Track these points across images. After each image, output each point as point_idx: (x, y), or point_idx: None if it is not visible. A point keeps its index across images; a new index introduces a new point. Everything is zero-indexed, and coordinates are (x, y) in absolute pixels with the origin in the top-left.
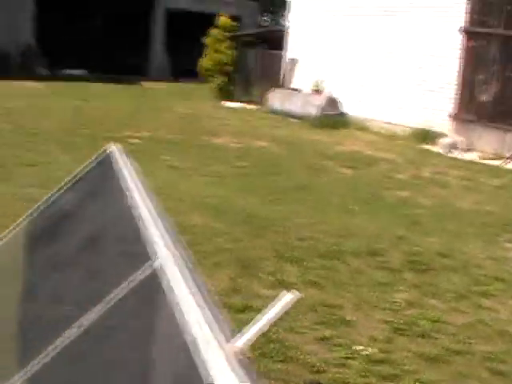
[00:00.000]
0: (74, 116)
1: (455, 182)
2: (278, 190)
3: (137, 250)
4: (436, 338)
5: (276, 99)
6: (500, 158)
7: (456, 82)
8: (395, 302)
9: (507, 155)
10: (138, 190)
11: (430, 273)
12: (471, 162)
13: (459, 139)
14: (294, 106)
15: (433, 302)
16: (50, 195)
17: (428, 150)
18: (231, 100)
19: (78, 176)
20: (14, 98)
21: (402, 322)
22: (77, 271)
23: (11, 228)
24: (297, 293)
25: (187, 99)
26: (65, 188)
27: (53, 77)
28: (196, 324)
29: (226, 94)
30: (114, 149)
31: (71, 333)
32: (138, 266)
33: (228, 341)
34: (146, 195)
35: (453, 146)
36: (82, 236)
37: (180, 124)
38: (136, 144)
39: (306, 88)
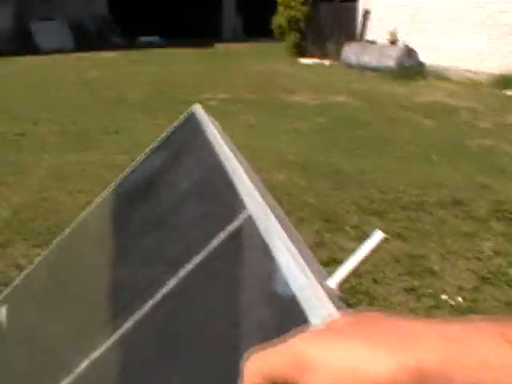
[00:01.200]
0: (151, 82)
1: None
2: (359, 143)
3: (230, 203)
4: None
5: (351, 53)
6: None
7: None
8: (481, 251)
9: None
10: (225, 146)
11: None
12: None
13: None
14: (370, 58)
15: None
16: (139, 158)
17: (511, 96)
18: (306, 56)
19: (165, 137)
20: (92, 69)
21: (488, 271)
22: (171, 228)
23: (103, 193)
24: (381, 233)
25: (261, 58)
26: (153, 149)
27: (128, 46)
28: (292, 267)
29: (300, 50)
30: (198, 108)
31: (170, 283)
32: (232, 217)
33: (322, 281)
34: (233, 151)
35: None
36: (174, 194)
37: (256, 83)
38: (214, 106)
39: (382, 40)
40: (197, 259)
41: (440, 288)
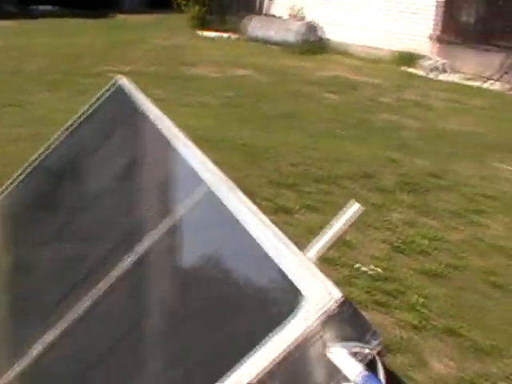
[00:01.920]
0: (49, 54)
1: (440, 104)
2: (266, 118)
3: (185, 175)
4: (435, 255)
5: (254, 27)
6: (483, 78)
7: (435, 4)
8: (391, 222)
9: (491, 76)
10: (162, 117)
11: (424, 193)
12: (454, 84)
13: (441, 61)
14: (274, 32)
15: (428, 220)
16: (63, 131)
17: (410, 72)
18: (208, 29)
19: (92, 110)
20: None
21: (400, 241)
22: (126, 202)
23: (24, 167)
24: (358, 205)
25: (163, 30)
26: (80, 122)
27: (22, 14)
28: (266, 237)
29: (202, 23)
30: (124, 80)
31: (138, 249)
32: (191, 190)
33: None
34: (170, 122)
35: (435, 68)
36: (119, 167)
37: (158, 56)
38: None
39: (285, 14)
40: (162, 228)
41: (355, 258)
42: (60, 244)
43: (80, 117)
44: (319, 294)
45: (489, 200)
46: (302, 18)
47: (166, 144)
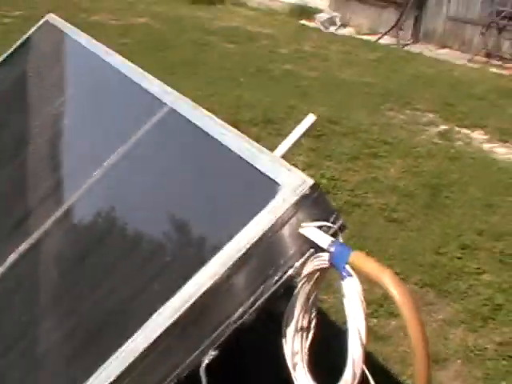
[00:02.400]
0: None
1: (335, 56)
2: (167, 65)
3: (144, 99)
4: (335, 194)
5: None
6: (375, 33)
7: None
8: (296, 165)
9: (382, 31)
10: (104, 49)
11: (323, 138)
12: (348, 37)
13: (336, 15)
14: None
15: (329, 163)
16: None
17: (307, 25)
18: None
19: (26, 44)
20: None
21: None
22: (81, 129)
23: None
24: (313, 116)
25: None
26: (14, 55)
27: None
28: (238, 144)
29: None
30: (54, 17)
31: (106, 166)
32: (155, 111)
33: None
34: (113, 53)
35: (330, 22)
36: (69, 96)
37: (52, 1)
38: (9, 24)
39: None
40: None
41: None
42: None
43: (15, 51)
44: (293, 182)
45: (382, 145)
46: None
47: (113, 70)
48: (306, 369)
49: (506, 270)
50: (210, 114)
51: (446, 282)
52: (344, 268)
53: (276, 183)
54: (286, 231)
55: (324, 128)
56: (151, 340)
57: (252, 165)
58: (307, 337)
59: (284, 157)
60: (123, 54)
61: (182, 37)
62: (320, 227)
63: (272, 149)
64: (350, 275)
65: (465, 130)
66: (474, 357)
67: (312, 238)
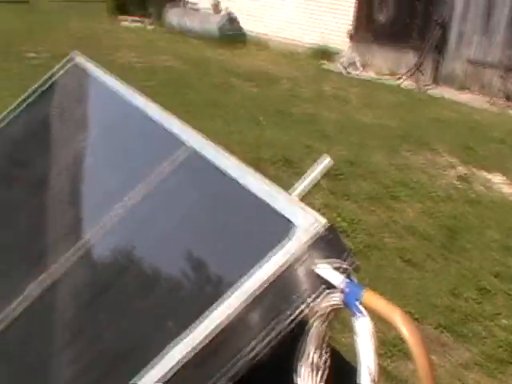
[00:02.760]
0: None
1: (355, 98)
2: (190, 106)
3: (166, 140)
4: (355, 237)
5: (174, 16)
6: (395, 75)
7: (354, 1)
8: (312, 205)
9: (403, 73)
10: (128, 89)
11: (342, 179)
12: (369, 80)
13: (357, 58)
14: (193, 23)
15: (348, 204)
16: (19, 103)
17: (328, 68)
18: (127, 16)
19: (48, 84)
20: None
21: None
22: (99, 171)
23: None
24: (329, 157)
25: (81, 16)
26: (37, 96)
27: None
28: (257, 184)
29: (121, 10)
30: (78, 54)
31: (120, 210)
32: (176, 151)
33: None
34: (137, 93)
35: (351, 65)
36: (91, 137)
37: (77, 40)
38: (38, 64)
39: (205, 5)
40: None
41: None
42: (29, 216)
43: (36, 90)
44: (308, 222)
45: (401, 187)
46: (224, 11)
47: (143, 114)
48: None
49: None
50: (229, 155)
51: (462, 324)
52: (356, 306)
53: (292, 223)
54: (300, 270)
55: (343, 170)
56: (166, 371)
57: (269, 205)
58: (322, 375)
59: (300, 197)
60: (146, 95)
61: (205, 79)
62: (334, 266)
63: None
64: (363, 314)
65: (484, 174)
66: None
67: (326, 277)
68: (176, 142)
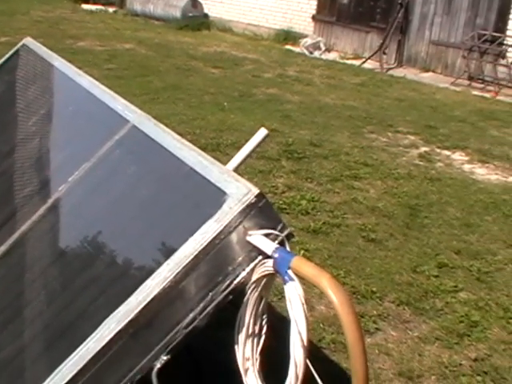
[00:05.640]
0: None
1: (319, 80)
2: (152, 90)
3: (110, 119)
4: (315, 215)
5: (136, 1)
6: (359, 58)
7: None
8: (275, 186)
9: (366, 55)
10: (75, 72)
11: (304, 160)
12: (333, 62)
13: (321, 40)
14: (156, 7)
15: (309, 185)
16: None
17: (291, 50)
18: (89, 2)
19: (2, 67)
20: None
21: (282, 202)
22: (56, 142)
23: None
24: (265, 130)
25: (43, 2)
26: None
27: None
28: (191, 156)
29: None
30: (30, 40)
31: (70, 182)
32: (119, 128)
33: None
34: (84, 76)
35: (315, 47)
36: (40, 114)
37: (40, 28)
38: None
39: None
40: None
41: None
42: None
43: None
44: (240, 192)
45: (363, 166)
46: None
47: (84, 92)
48: (257, 374)
49: (483, 287)
50: (168, 129)
51: (423, 299)
52: (286, 273)
53: (224, 193)
54: (233, 238)
55: (305, 150)
56: (103, 343)
57: (204, 176)
58: (258, 342)
59: (236, 170)
60: (109, 78)
61: (167, 62)
62: (268, 235)
63: (257, 174)
64: (292, 279)
65: (445, 152)
66: (449, 373)
67: (257, 245)
68: (119, 119)
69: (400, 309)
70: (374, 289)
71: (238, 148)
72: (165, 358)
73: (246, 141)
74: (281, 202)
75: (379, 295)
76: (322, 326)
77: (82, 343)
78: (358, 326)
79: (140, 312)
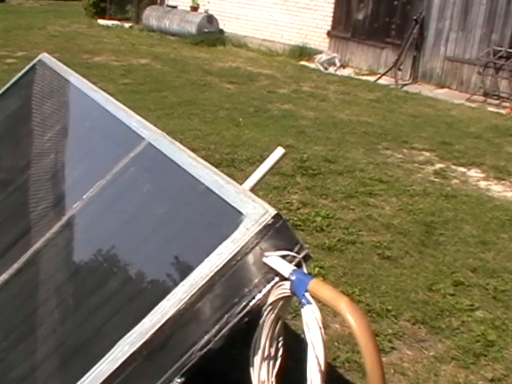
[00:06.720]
0: None
1: (334, 96)
2: (167, 105)
3: (125, 135)
4: (330, 232)
5: (152, 17)
6: (374, 74)
7: (333, 0)
8: (290, 202)
9: (381, 71)
10: (90, 88)
11: (319, 177)
12: (347, 78)
13: (336, 56)
14: (172, 23)
15: (324, 201)
16: None
17: (306, 66)
18: (106, 18)
19: (16, 84)
20: None
21: (297, 218)
22: (62, 164)
23: None
24: (282, 149)
25: (60, 17)
26: (7, 93)
27: None
28: (206, 175)
29: (100, 11)
30: (46, 55)
31: (85, 199)
32: (134, 145)
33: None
34: (99, 91)
35: (330, 63)
36: (55, 132)
37: (56, 42)
38: (13, 64)
39: (183, 5)
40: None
41: None
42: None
43: (7, 89)
44: (257, 212)
45: (378, 183)
46: (204, 11)
47: (99, 108)
48: None
49: (499, 306)
50: (183, 147)
51: (439, 318)
52: (303, 296)
53: (241, 213)
54: (249, 260)
55: (319, 167)
56: (116, 365)
57: (220, 196)
58: (274, 365)
59: (252, 189)
60: (124, 93)
61: (183, 78)
62: (284, 257)
63: (272, 190)
64: (309, 303)
65: (461, 169)
66: None
67: (274, 267)
68: (134, 136)
69: (415, 327)
70: (389, 307)
71: (253, 164)
72: (179, 380)
73: (261, 156)
74: (295, 219)
75: (394, 313)
76: (336, 344)
77: (95, 364)
78: (377, 351)
79: (154, 334)
